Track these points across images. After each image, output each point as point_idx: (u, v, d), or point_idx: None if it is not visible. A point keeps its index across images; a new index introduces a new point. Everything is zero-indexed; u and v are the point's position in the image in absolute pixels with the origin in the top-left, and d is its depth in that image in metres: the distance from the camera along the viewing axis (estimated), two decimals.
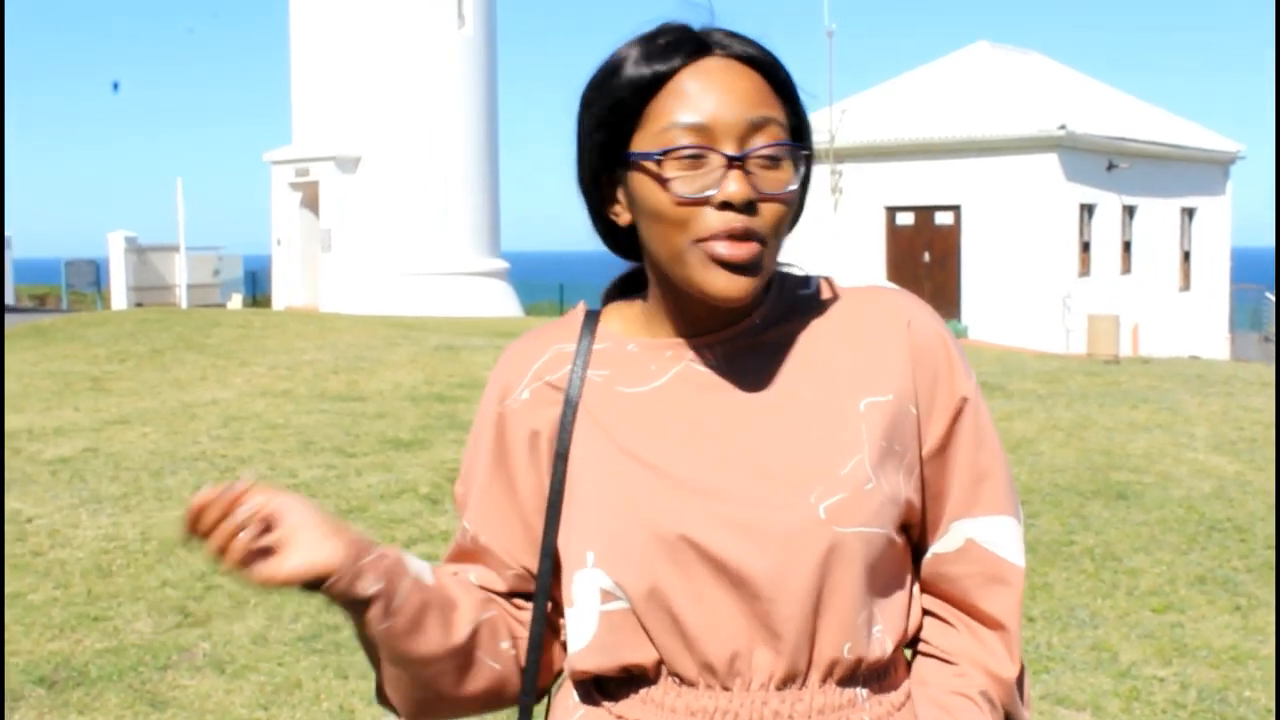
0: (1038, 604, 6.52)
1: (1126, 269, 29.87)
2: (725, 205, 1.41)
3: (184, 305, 31.10)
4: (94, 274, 36.34)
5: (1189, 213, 32.14)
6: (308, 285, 30.40)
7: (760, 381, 1.53)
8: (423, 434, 10.99)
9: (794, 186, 1.45)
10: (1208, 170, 32.81)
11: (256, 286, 36.93)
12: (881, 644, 1.51)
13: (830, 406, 1.51)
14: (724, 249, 1.41)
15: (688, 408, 1.52)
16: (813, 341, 1.55)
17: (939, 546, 1.57)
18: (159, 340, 17.47)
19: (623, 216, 1.52)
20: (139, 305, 30.97)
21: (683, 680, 1.48)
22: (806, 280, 1.61)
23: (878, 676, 1.53)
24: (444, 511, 8.33)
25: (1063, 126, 26.93)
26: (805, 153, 1.47)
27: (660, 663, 1.48)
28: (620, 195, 1.51)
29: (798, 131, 1.49)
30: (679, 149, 1.42)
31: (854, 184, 28.98)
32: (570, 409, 1.55)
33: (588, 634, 1.51)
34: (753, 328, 1.55)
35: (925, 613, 1.61)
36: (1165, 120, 33.16)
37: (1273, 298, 34.45)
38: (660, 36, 1.46)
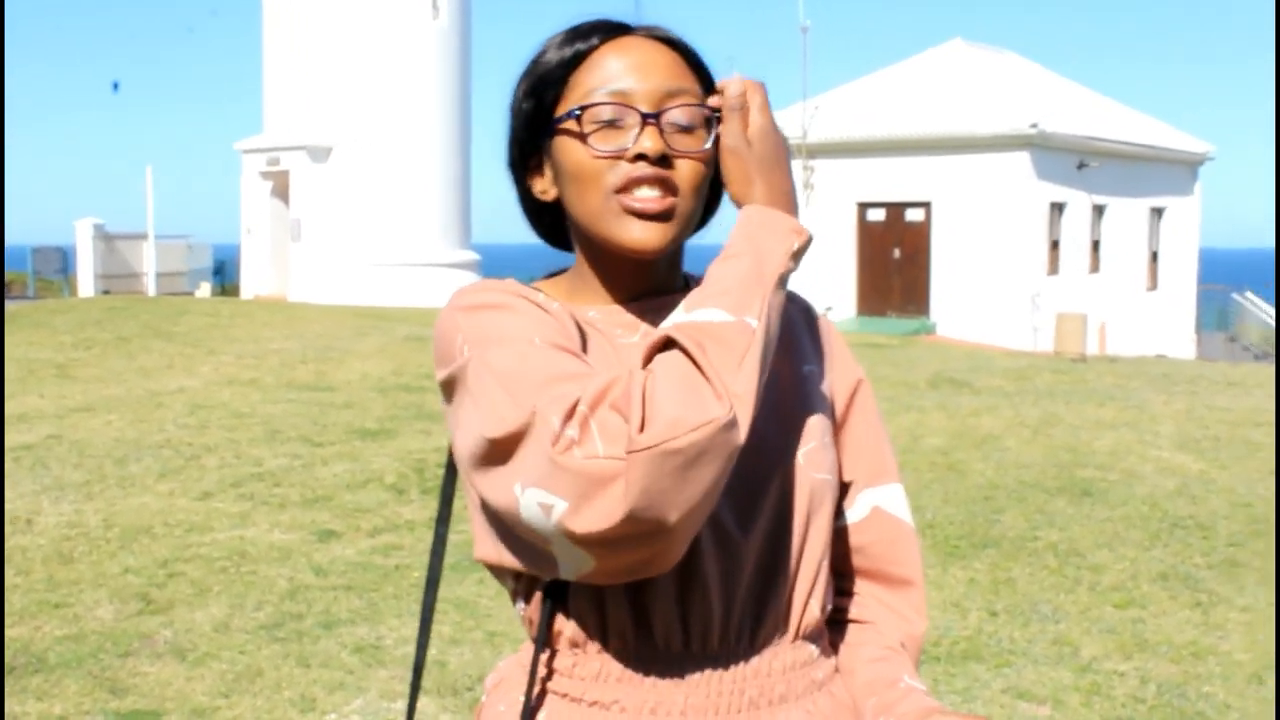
0: (1001, 598, 6.55)
1: (1095, 268, 30.00)
2: (640, 158, 1.48)
3: (152, 293, 30.91)
4: (61, 261, 36.08)
5: (1158, 213, 32.29)
6: (277, 275, 30.25)
7: None
8: (390, 424, 10.97)
9: (705, 148, 1.51)
10: (1177, 171, 32.97)
11: (225, 275, 36.75)
12: (830, 596, 1.62)
13: (781, 368, 1.60)
14: (637, 201, 1.49)
15: None
16: None
17: (849, 517, 1.68)
18: (126, 328, 17.37)
19: (548, 192, 1.60)
20: (106, 293, 30.76)
21: (674, 639, 1.50)
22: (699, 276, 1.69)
23: (821, 634, 1.61)
24: (409, 501, 8.31)
25: (1034, 125, 27.01)
26: (716, 117, 1.52)
27: (645, 625, 1.50)
28: (546, 170, 1.59)
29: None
30: (597, 104, 1.50)
31: (826, 180, 28.98)
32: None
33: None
34: (684, 295, 1.58)
35: (836, 590, 1.70)
36: (1136, 120, 33.30)
37: (1241, 300, 34.67)
38: (579, 25, 1.57)
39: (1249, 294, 34.64)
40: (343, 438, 10.32)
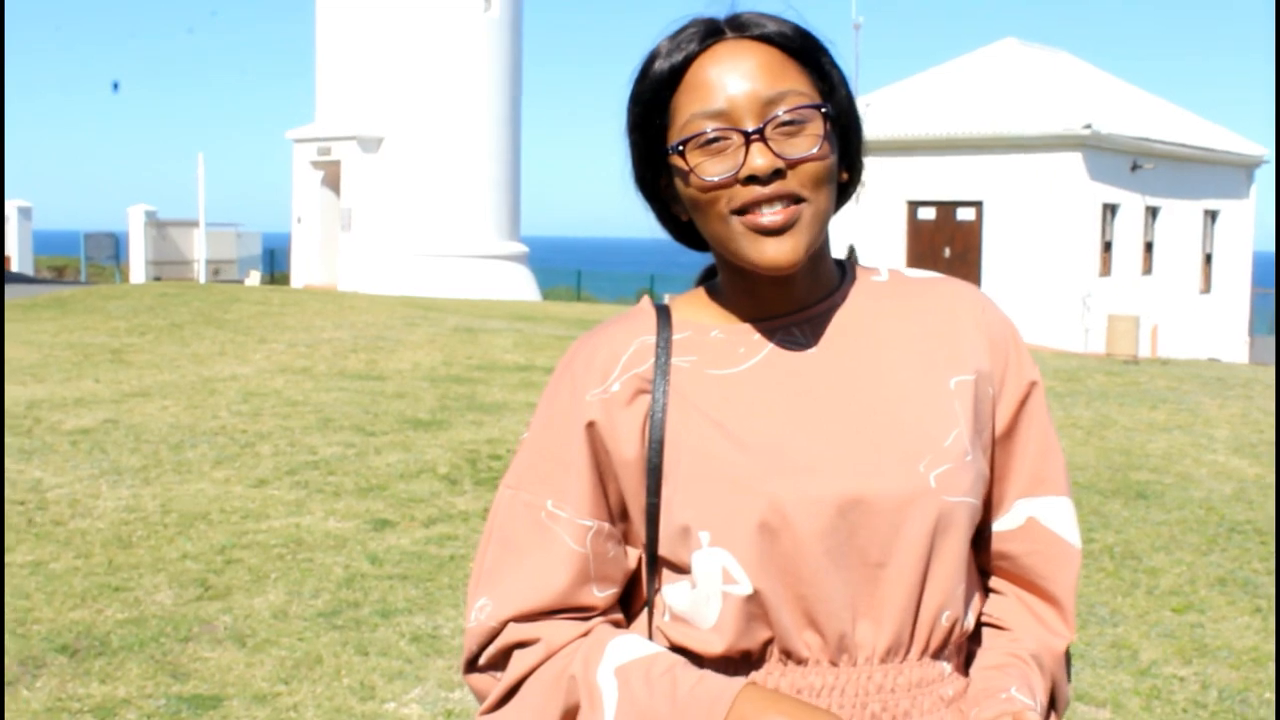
0: None
1: (1147, 270, 29.76)
2: (751, 180, 1.45)
3: (202, 280, 31.15)
4: (113, 247, 36.43)
5: (1212, 215, 32.01)
6: (326, 264, 30.43)
7: (851, 359, 1.55)
8: (441, 414, 11.00)
9: (816, 149, 1.46)
10: (1231, 173, 32.67)
11: (275, 264, 36.98)
12: (971, 614, 1.57)
13: (922, 382, 1.55)
14: (760, 219, 1.45)
15: (784, 386, 1.53)
16: (893, 323, 1.59)
17: (1001, 524, 1.62)
18: (178, 315, 17.51)
19: (683, 215, 1.57)
20: (157, 279, 31.02)
21: (791, 658, 1.49)
22: (877, 270, 1.65)
23: (958, 652, 1.57)
24: (462, 492, 8.34)
25: (1088, 125, 26.82)
26: (825, 110, 1.49)
27: (770, 642, 1.49)
28: (675, 194, 1.56)
29: (828, 96, 1.52)
30: (695, 136, 1.46)
31: (876, 177, 28.86)
32: (662, 395, 1.52)
33: (712, 615, 1.49)
34: (833, 307, 1.58)
35: (986, 589, 1.66)
36: (1190, 122, 33.02)
37: None
38: (678, 32, 1.52)
39: None
40: (395, 427, 10.36)
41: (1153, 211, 29.81)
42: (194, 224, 33.83)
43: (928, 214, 28.96)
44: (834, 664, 1.48)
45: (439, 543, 7.19)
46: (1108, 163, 27.81)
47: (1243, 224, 33.08)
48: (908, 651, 1.50)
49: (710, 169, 1.46)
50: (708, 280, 1.65)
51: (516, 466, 1.58)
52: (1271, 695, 5.37)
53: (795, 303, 1.56)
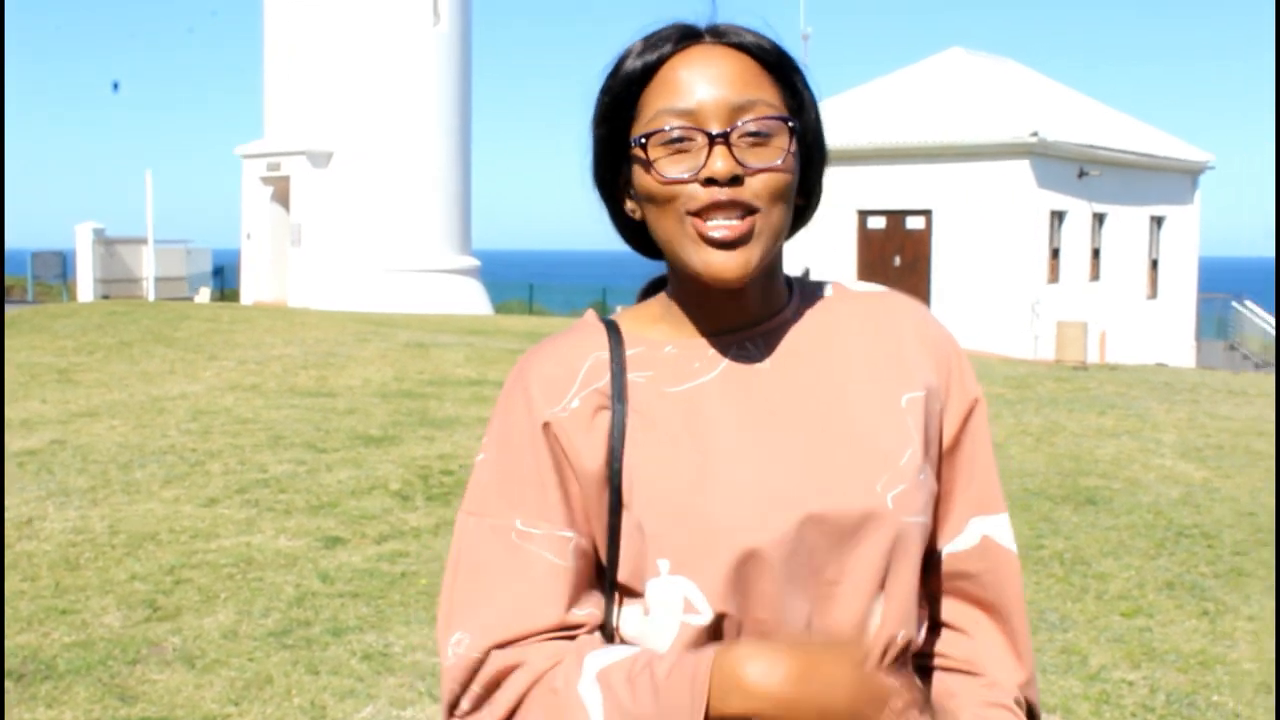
0: None
1: (1095, 276, 30.01)
2: (710, 182, 1.43)
3: (151, 298, 30.91)
4: (60, 265, 36.13)
5: (1158, 221, 32.32)
6: (276, 280, 30.28)
7: (805, 376, 1.54)
8: (393, 430, 10.96)
9: (779, 161, 1.46)
10: (1177, 180, 32.99)
11: (225, 281, 36.76)
12: (920, 631, 1.56)
13: (875, 400, 1.54)
14: (712, 229, 1.44)
15: (740, 403, 1.51)
16: (843, 339, 1.58)
17: (956, 544, 1.61)
18: (127, 333, 17.37)
19: (636, 213, 1.55)
20: (105, 298, 30.77)
21: None
22: (821, 284, 1.65)
23: (905, 664, 1.56)
24: (415, 508, 8.31)
25: (1035, 133, 27.03)
26: (792, 125, 1.49)
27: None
28: (632, 191, 1.54)
29: (797, 114, 1.51)
30: (661, 131, 1.45)
31: (826, 187, 28.67)
32: (621, 413, 1.50)
33: (664, 641, 1.47)
34: (785, 323, 1.57)
35: (937, 621, 1.64)
36: (1136, 129, 33.33)
37: (1241, 308, 34.70)
38: (654, 33, 1.51)
39: (1248, 303, 34.68)
40: (346, 444, 10.32)
41: (1100, 218, 30.08)
42: (143, 241, 33.57)
43: (878, 223, 29.10)
44: None
45: (391, 559, 7.16)
46: (1055, 170, 28.04)
47: (1188, 230, 33.42)
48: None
49: (671, 167, 1.45)
50: (652, 293, 1.64)
51: (475, 491, 1.54)
52: (1219, 698, 5.43)
53: (748, 317, 1.55)
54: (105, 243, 34.26)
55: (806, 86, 1.54)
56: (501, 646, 1.47)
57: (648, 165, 1.47)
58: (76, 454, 9.73)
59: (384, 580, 6.76)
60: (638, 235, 1.61)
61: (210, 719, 4.94)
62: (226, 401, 12.41)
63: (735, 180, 1.44)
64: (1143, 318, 31.26)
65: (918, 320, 1.61)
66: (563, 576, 1.49)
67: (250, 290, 30.84)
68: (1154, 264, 32.34)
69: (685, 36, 1.50)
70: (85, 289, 33.46)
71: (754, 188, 1.45)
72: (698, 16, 1.52)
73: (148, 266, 33.14)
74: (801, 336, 1.56)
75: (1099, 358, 25.22)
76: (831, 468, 1.48)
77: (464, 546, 1.53)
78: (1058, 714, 5.20)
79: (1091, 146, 28.99)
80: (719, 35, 1.50)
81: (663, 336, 1.56)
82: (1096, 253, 30.13)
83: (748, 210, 1.44)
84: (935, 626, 1.64)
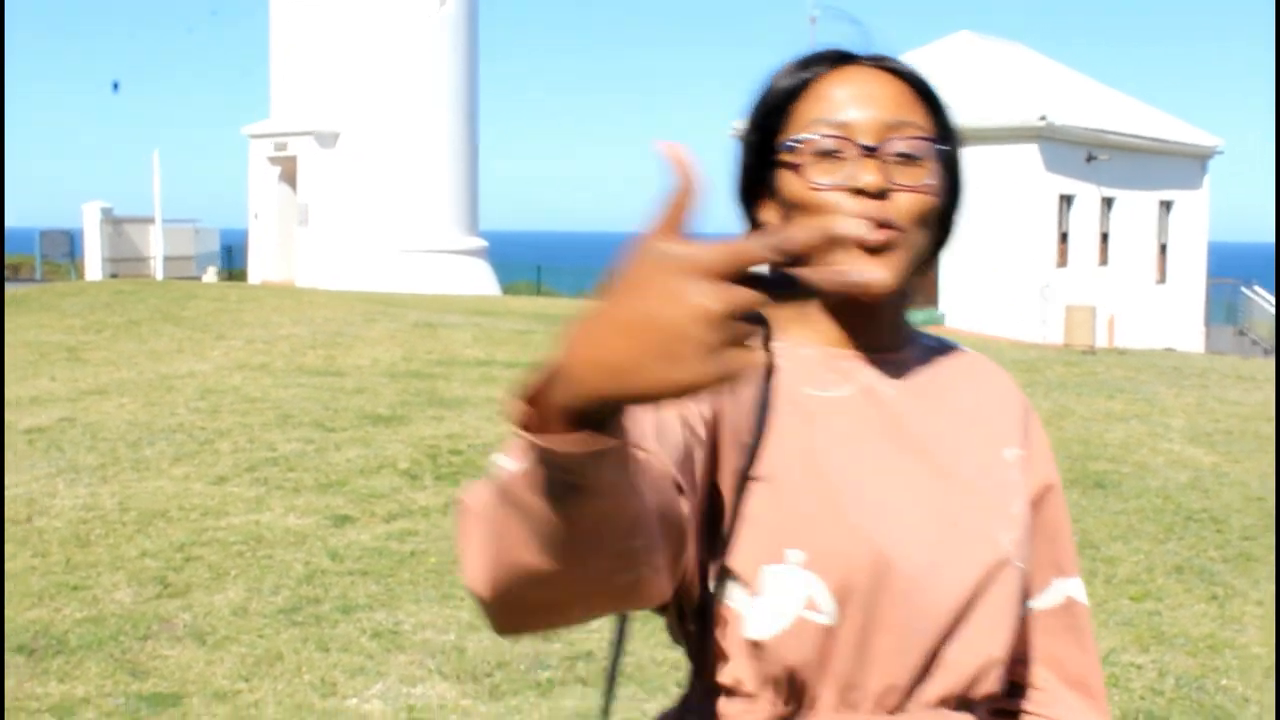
0: None
1: (1104, 260, 29.97)
2: (860, 193, 1.44)
3: (159, 277, 30.92)
4: (69, 245, 36.13)
5: (1167, 206, 32.25)
6: (284, 260, 30.27)
7: (928, 412, 1.55)
8: (401, 410, 10.96)
9: (931, 181, 1.48)
10: (1186, 164, 32.91)
11: (232, 260, 36.77)
12: (1002, 677, 1.55)
13: (988, 448, 1.56)
14: (859, 237, 1.44)
15: (873, 425, 1.51)
16: (955, 386, 1.60)
17: (1041, 602, 1.64)
18: (135, 312, 17.38)
19: (771, 221, 1.54)
20: (114, 276, 30.78)
21: (843, 704, 1.44)
22: (923, 333, 1.66)
23: (982, 705, 1.54)
24: (423, 487, 8.32)
25: (1043, 117, 26.97)
26: (942, 150, 1.50)
27: (820, 683, 1.44)
28: (773, 203, 1.54)
29: (943, 140, 1.52)
30: (814, 139, 1.47)
31: None
32: (766, 388, 1.46)
33: (774, 627, 1.42)
34: (909, 357, 1.58)
35: (1022, 682, 1.66)
36: (1145, 113, 33.24)
37: (1250, 293, 34.63)
38: (809, 54, 1.54)
39: (1257, 288, 34.60)
40: (355, 423, 10.32)
41: (1108, 202, 30.02)
42: (150, 221, 33.55)
43: None
44: (884, 711, 1.45)
45: (399, 538, 7.17)
46: (1063, 154, 27.98)
47: (1197, 214, 33.34)
48: (955, 704, 1.49)
49: (821, 175, 1.46)
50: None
51: None
52: (1228, 681, 5.43)
53: (880, 342, 1.55)
54: (113, 222, 34.25)
55: (955, 129, 1.55)
56: None
57: (797, 169, 1.47)
58: (86, 431, 9.75)
59: (393, 559, 6.77)
60: None
61: (221, 695, 4.96)
62: (235, 380, 12.42)
63: (882, 195, 1.45)
64: (1152, 302, 31.22)
65: (1012, 387, 1.65)
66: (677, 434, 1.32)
67: (258, 270, 30.85)
68: (1163, 248, 32.28)
69: (840, 58, 1.53)
70: (93, 268, 33.47)
71: (899, 206, 1.46)
72: (853, 44, 1.55)
73: (155, 246, 33.14)
74: (923, 375, 1.57)
75: (1108, 342, 25.19)
76: (960, 503, 1.49)
77: None
78: None
79: (1100, 130, 28.93)
80: (874, 59, 1.53)
81: (800, 338, 1.55)
82: (1105, 237, 30.08)
83: (892, 225, 1.45)
84: (1016, 684, 1.65)
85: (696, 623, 1.47)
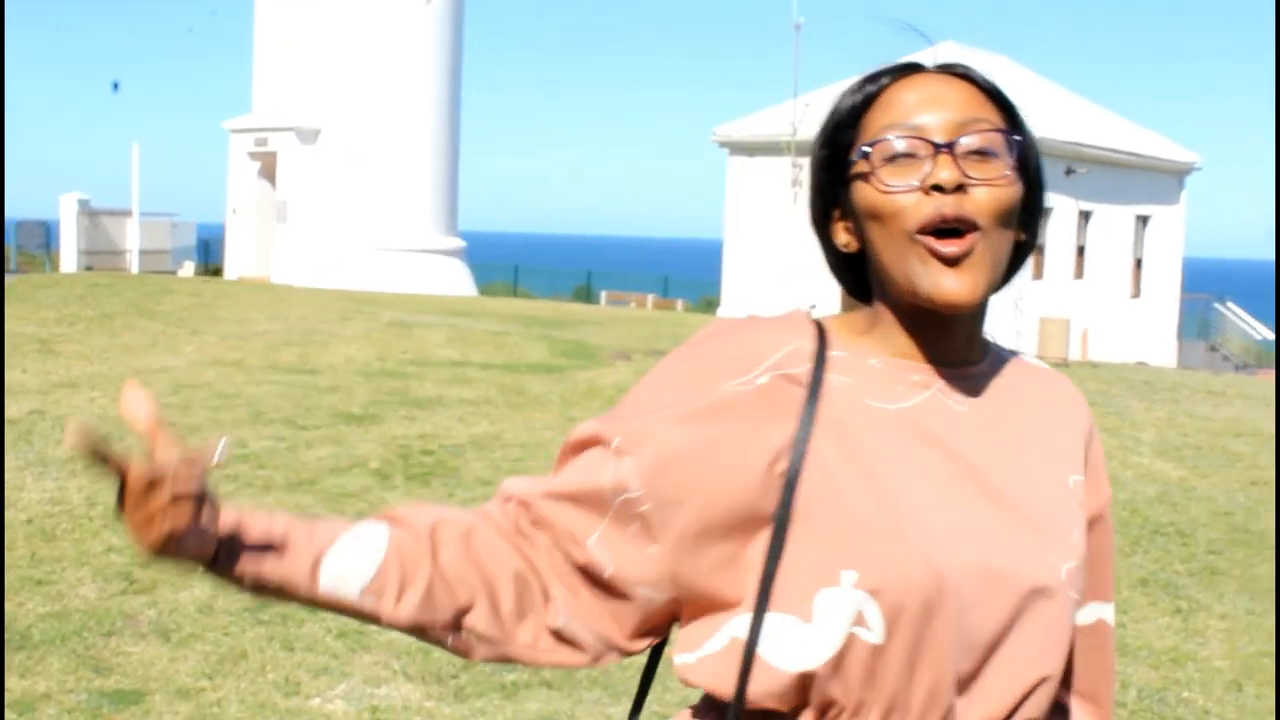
0: None
1: (1079, 274, 30.09)
2: (935, 189, 1.41)
3: (135, 271, 30.80)
4: (44, 236, 35.93)
5: (1143, 220, 32.40)
6: (261, 256, 30.16)
7: (996, 433, 1.51)
8: (374, 409, 10.95)
9: (1008, 173, 1.45)
10: (1163, 179, 33.06)
11: (209, 255, 36.63)
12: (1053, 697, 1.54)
13: (1050, 473, 1.53)
14: (940, 245, 1.41)
15: (938, 439, 1.47)
16: (1027, 406, 1.56)
17: (1077, 619, 1.60)
18: (109, 305, 17.31)
19: (851, 243, 1.52)
20: (89, 269, 30.64)
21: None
22: (998, 346, 1.62)
23: None
24: (394, 487, 8.31)
25: None
26: (1017, 140, 1.48)
27: (864, 704, 1.41)
28: (847, 220, 1.52)
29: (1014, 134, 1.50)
30: (884, 141, 1.44)
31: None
32: (811, 409, 1.44)
33: (824, 654, 1.39)
34: (984, 374, 1.55)
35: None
36: (1124, 128, 33.39)
37: (1223, 310, 34.81)
38: (876, 69, 1.52)
39: (1231, 304, 34.79)
40: (327, 421, 10.31)
41: (1085, 216, 30.14)
42: (127, 213, 33.39)
43: None
44: None
45: None
46: (1042, 167, 28.08)
47: (1173, 230, 33.50)
48: None
49: (894, 178, 1.43)
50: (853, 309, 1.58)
51: (613, 412, 1.51)
52: (1189, 694, 5.46)
53: (955, 356, 1.51)
54: (90, 214, 34.08)
55: (1027, 128, 1.53)
56: (508, 499, 1.52)
57: (869, 176, 1.45)
58: (56, 425, 9.70)
59: None
60: (851, 272, 1.57)
61: (184, 692, 4.94)
62: (208, 376, 12.39)
63: (959, 190, 1.42)
64: (1125, 316, 31.35)
65: (1082, 410, 1.61)
66: (595, 502, 1.46)
67: (234, 265, 30.73)
68: (1138, 263, 32.43)
69: (907, 68, 1.51)
70: (69, 260, 33.30)
71: (977, 201, 1.42)
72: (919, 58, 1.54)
73: (132, 239, 32.99)
74: (996, 392, 1.54)
75: (1081, 355, 25.29)
76: (1018, 533, 1.45)
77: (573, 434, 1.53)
78: None
79: (1079, 144, 29.05)
80: (941, 67, 1.52)
81: (869, 349, 1.51)
82: (1081, 250, 30.20)
83: (970, 227, 1.42)
84: None
85: (719, 662, 1.45)
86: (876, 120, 1.47)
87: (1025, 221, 1.52)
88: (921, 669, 1.39)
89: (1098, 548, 1.59)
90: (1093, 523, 1.58)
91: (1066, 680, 1.61)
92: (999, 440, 1.50)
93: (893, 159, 1.44)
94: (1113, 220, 31.07)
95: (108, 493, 7.69)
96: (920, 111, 1.45)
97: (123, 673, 5.09)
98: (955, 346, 1.51)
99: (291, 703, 4.91)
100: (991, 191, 1.43)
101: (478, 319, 19.17)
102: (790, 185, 28.93)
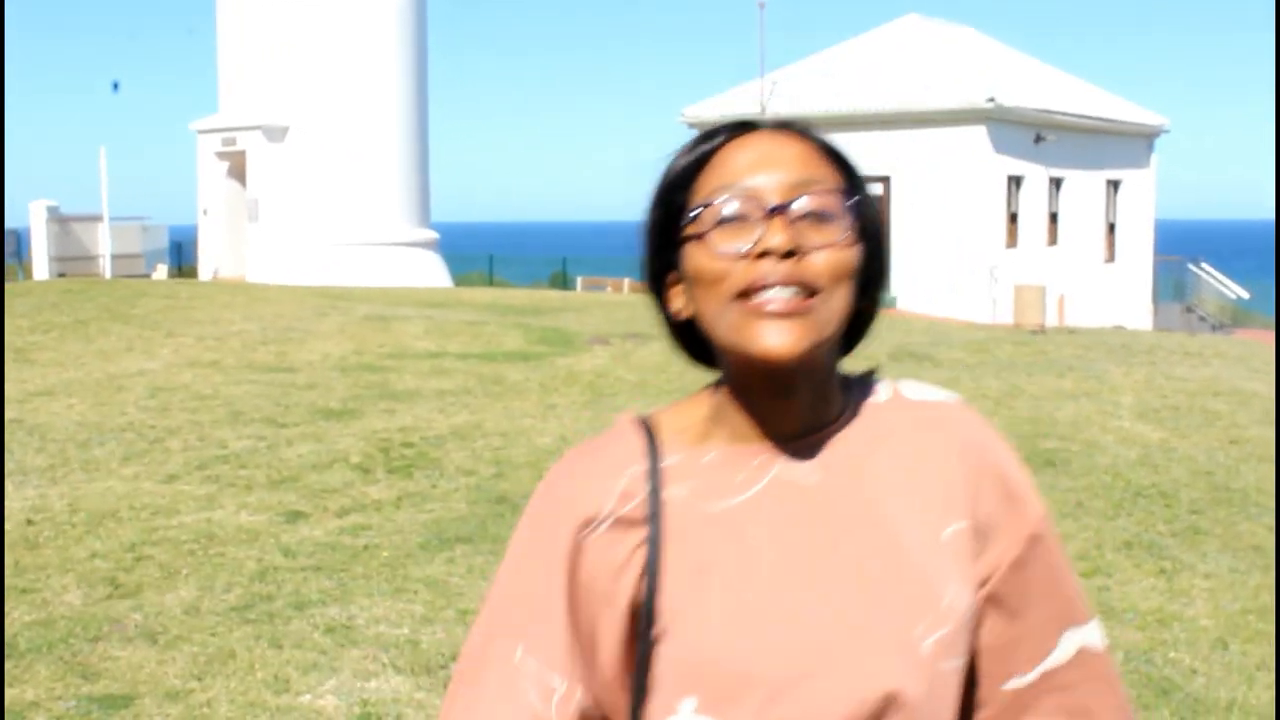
0: None
1: (1053, 240, 30.17)
2: (765, 255, 1.35)
3: (108, 276, 30.65)
4: (15, 244, 35.72)
5: (1114, 185, 32.50)
6: (234, 255, 30.07)
7: (851, 497, 1.44)
8: (353, 404, 10.93)
9: (840, 238, 1.38)
10: (1133, 143, 33.17)
11: (182, 257, 36.47)
12: None
13: (920, 530, 1.43)
14: (765, 302, 1.35)
15: (781, 526, 1.41)
16: (891, 456, 1.47)
17: (1050, 663, 1.49)
18: (83, 311, 17.22)
19: (684, 310, 1.46)
20: (62, 275, 30.48)
21: None
22: (871, 384, 1.54)
23: None
24: (375, 481, 8.30)
25: (991, 99, 27.11)
26: (856, 201, 1.41)
27: None
28: (681, 284, 1.46)
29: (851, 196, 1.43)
30: (714, 205, 1.39)
31: None
32: (655, 540, 1.40)
33: None
34: (835, 433, 1.46)
35: None
36: (1092, 94, 33.47)
37: (1197, 271, 34.94)
38: (710, 128, 1.46)
39: (1204, 265, 34.93)
40: (306, 418, 10.28)
41: (1056, 183, 30.22)
42: (98, 219, 33.21)
43: None
44: None
45: (353, 533, 7.15)
46: (1011, 135, 28.14)
47: (1144, 193, 33.62)
48: None
49: (725, 241, 1.37)
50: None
51: (490, 606, 1.47)
52: (1175, 654, 5.49)
53: (798, 423, 1.44)
54: (60, 220, 33.88)
55: (868, 197, 1.45)
56: None
57: (700, 240, 1.39)
58: (34, 433, 9.66)
59: (346, 553, 6.75)
60: (686, 338, 1.51)
61: (173, 694, 4.93)
62: (185, 378, 12.34)
63: (791, 256, 1.35)
64: (1100, 281, 31.47)
65: (974, 441, 1.49)
66: None
67: (208, 266, 30.63)
68: (1111, 228, 32.53)
69: (741, 125, 1.45)
70: (40, 267, 33.11)
71: (814, 265, 1.36)
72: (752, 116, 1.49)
73: (103, 244, 32.82)
74: (851, 449, 1.45)
75: (1057, 321, 25.37)
76: (872, 608, 1.38)
77: (468, 658, 1.47)
78: None
79: (1048, 111, 29.11)
80: (776, 124, 1.45)
81: (705, 439, 1.46)
82: (1054, 217, 30.29)
83: (808, 291, 1.35)
84: None
85: None
86: (709, 182, 1.41)
87: (867, 287, 1.45)
88: None
89: (1044, 574, 1.48)
90: (1023, 560, 1.46)
91: (1071, 713, 1.50)
92: (854, 507, 1.43)
93: (724, 222, 1.38)
94: (1084, 186, 31.16)
95: (89, 499, 7.67)
96: (753, 172, 1.39)
97: (111, 677, 5.08)
98: (799, 413, 1.43)
99: (282, 700, 4.90)
100: (829, 255, 1.37)
101: (454, 310, 19.14)
102: None
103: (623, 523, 1.41)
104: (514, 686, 1.42)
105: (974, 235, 27.64)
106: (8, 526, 7.18)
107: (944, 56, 29.61)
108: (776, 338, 1.34)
